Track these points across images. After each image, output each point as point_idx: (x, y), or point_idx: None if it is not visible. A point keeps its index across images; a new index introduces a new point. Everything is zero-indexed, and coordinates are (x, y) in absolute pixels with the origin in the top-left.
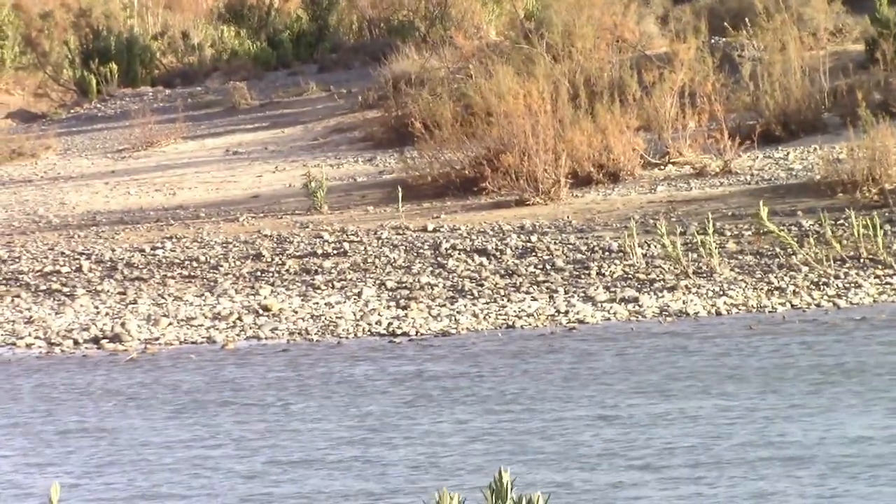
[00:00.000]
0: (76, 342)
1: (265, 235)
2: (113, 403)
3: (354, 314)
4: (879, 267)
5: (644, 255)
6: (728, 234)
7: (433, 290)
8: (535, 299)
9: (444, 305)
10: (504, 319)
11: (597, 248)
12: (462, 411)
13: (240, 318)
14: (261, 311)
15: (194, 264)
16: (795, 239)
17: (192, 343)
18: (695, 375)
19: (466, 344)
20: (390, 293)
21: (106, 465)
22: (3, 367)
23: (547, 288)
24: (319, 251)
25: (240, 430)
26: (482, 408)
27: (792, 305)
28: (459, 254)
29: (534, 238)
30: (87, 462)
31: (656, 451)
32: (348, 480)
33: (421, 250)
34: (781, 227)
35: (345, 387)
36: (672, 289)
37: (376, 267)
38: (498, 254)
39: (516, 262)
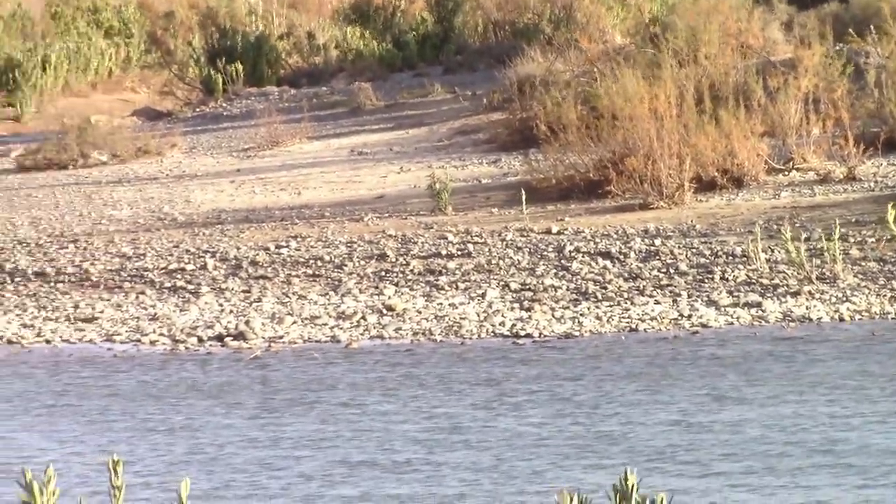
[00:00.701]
0: (200, 339)
1: (389, 235)
2: (236, 401)
3: (478, 315)
4: None
5: (768, 261)
6: (851, 240)
7: (556, 292)
8: (658, 303)
9: (568, 308)
10: (627, 322)
11: (720, 253)
12: (593, 412)
13: (364, 318)
14: (385, 311)
15: (318, 263)
16: None
17: (316, 342)
18: (821, 380)
19: (589, 346)
20: (514, 295)
21: (238, 464)
22: (127, 364)
23: (670, 292)
24: (444, 252)
25: (370, 425)
26: (610, 409)
27: None
28: (583, 256)
29: (657, 242)
30: (226, 461)
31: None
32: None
33: (545, 252)
34: None
35: (475, 386)
36: (795, 294)
37: (500, 268)
38: (622, 257)
39: (640, 265)
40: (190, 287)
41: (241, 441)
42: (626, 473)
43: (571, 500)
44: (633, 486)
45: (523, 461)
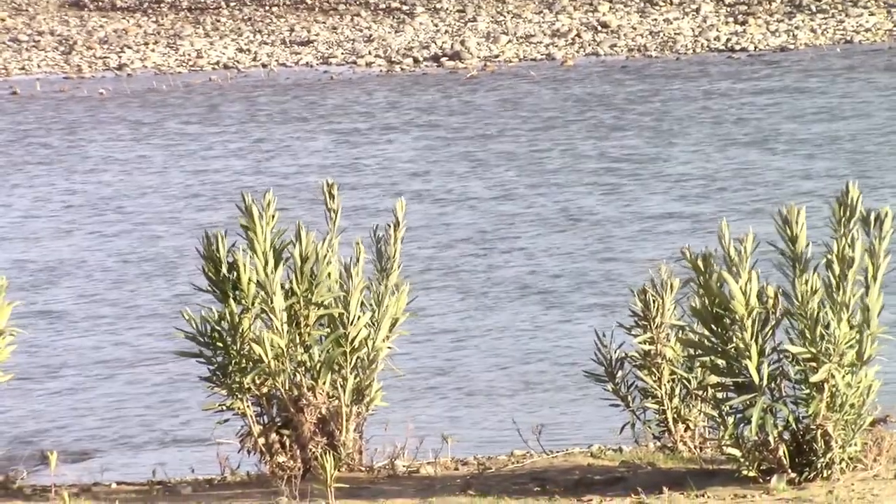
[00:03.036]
0: (416, 60)
1: None
2: (463, 115)
3: (693, 30)
4: None
5: None
6: None
7: (771, 5)
8: (872, 14)
9: (783, 21)
10: (842, 35)
11: None
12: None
13: (578, 35)
14: (599, 28)
15: None
16: None
17: (532, 60)
18: None
19: (805, 59)
20: (728, 9)
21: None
22: (346, 85)
23: (885, 2)
24: None
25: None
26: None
27: None
28: None
29: None
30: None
31: None
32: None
33: None
34: None
35: (699, 102)
36: None
37: None
38: None
39: None
40: (405, 8)
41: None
42: (847, 186)
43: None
44: (856, 198)
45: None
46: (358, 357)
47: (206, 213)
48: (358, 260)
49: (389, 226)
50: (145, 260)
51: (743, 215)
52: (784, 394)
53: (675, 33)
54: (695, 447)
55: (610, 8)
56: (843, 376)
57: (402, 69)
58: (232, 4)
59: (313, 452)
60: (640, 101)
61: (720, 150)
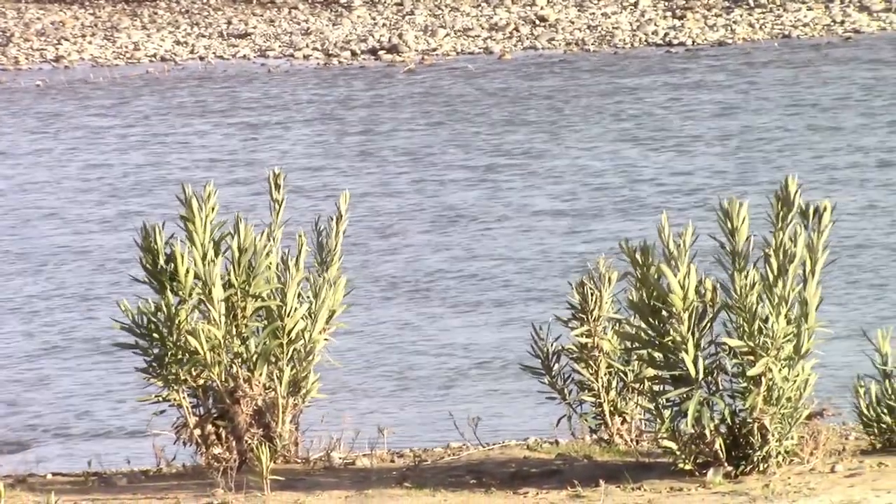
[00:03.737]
0: (354, 53)
1: None
2: (392, 112)
3: (631, 24)
4: None
5: None
6: None
7: (709, 0)
8: (810, 9)
9: (721, 15)
10: (780, 29)
11: None
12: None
13: (517, 29)
14: (537, 22)
15: None
16: None
17: (470, 53)
18: None
19: (741, 54)
20: (666, 3)
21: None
22: (283, 78)
23: None
24: None
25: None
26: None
27: None
28: None
29: None
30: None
31: None
32: None
33: None
34: None
35: (622, 96)
36: None
37: None
38: None
39: None
40: (342, 1)
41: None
42: (786, 181)
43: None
44: (794, 193)
45: None
46: (294, 349)
47: (93, 209)
48: (299, 252)
49: (332, 218)
50: (21, 255)
51: (620, 213)
52: (721, 387)
53: (613, 27)
54: (631, 440)
55: (548, 2)
56: (780, 370)
57: (339, 62)
58: None
59: (249, 444)
60: (556, 95)
61: (611, 146)
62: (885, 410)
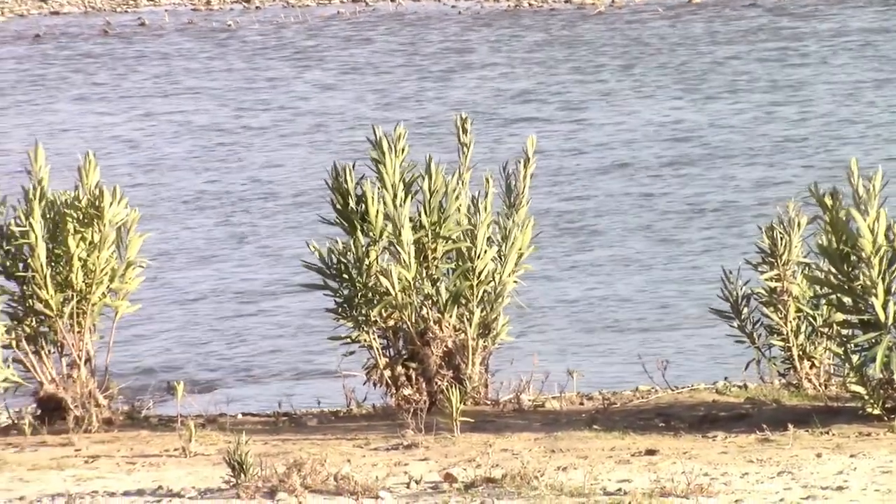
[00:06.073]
0: None
1: None
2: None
3: None
4: None
5: None
6: None
7: None
8: None
9: None
10: None
11: None
12: None
13: None
14: None
15: None
16: None
17: None
18: None
19: None
20: None
21: None
22: (471, 19)
23: None
24: None
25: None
26: None
27: None
28: None
29: None
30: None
31: None
32: None
33: None
34: None
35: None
36: None
37: None
38: None
39: None
40: None
41: None
42: None
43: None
44: None
45: None
46: (484, 291)
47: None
48: (487, 194)
49: (519, 161)
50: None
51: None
52: None
53: None
54: (820, 384)
55: None
56: None
57: (529, 4)
58: None
59: (439, 386)
60: (748, 37)
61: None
62: None
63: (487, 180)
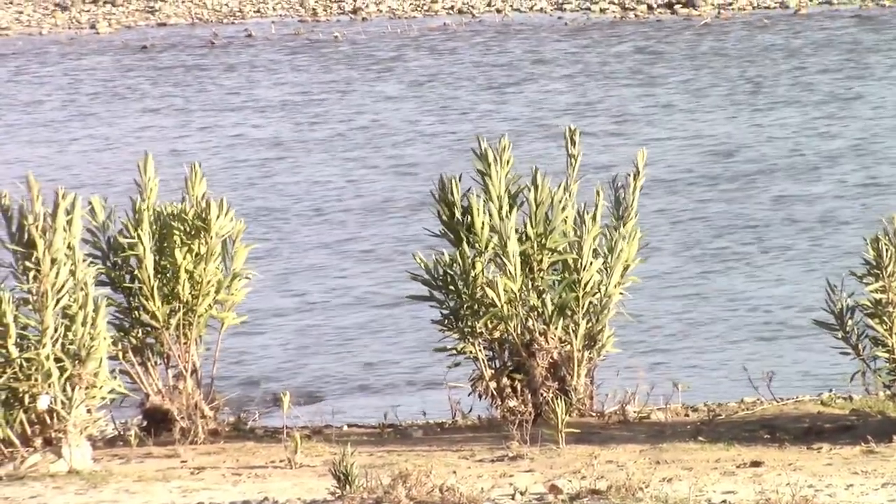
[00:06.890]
0: (650, 7)
1: None
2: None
3: None
4: None
5: None
6: None
7: None
8: None
9: None
10: None
11: None
12: None
13: None
14: None
15: None
16: None
17: (766, 8)
18: None
19: None
20: None
21: None
22: (579, 32)
23: None
24: None
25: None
26: None
27: None
28: None
29: None
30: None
31: None
32: None
33: None
34: None
35: None
36: None
37: None
38: None
39: None
40: None
41: None
42: None
43: None
44: None
45: None
46: (590, 302)
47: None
48: (596, 206)
49: (629, 175)
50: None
51: None
52: None
53: None
54: None
55: None
56: None
57: (635, 15)
58: None
59: (544, 397)
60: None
61: None
62: None
63: (598, 192)
